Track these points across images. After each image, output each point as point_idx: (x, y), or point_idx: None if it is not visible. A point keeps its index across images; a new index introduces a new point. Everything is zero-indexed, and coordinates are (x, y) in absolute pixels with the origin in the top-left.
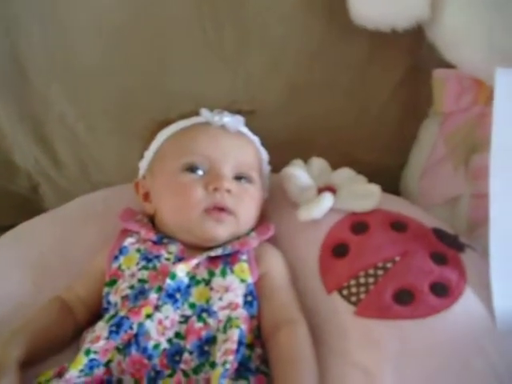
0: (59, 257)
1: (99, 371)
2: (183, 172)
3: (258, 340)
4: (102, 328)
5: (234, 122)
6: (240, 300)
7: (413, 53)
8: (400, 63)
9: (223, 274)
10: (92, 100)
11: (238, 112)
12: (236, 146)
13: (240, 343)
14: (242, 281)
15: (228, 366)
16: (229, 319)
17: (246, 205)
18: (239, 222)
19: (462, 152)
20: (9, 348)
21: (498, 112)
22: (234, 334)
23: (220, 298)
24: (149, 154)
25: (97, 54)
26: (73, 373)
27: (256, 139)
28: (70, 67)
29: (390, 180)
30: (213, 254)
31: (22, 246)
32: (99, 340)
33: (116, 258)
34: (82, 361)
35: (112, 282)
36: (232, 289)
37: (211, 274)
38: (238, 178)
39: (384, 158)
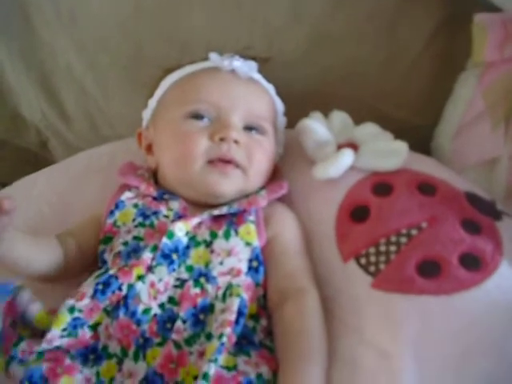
0: (57, 213)
1: (84, 333)
2: (187, 120)
3: (264, 311)
4: (88, 285)
5: (246, 66)
6: (243, 265)
7: None
8: (435, 9)
9: (226, 235)
10: (100, 51)
11: (253, 58)
12: (247, 93)
13: (240, 314)
14: (248, 244)
15: (224, 339)
16: (229, 286)
17: (257, 158)
18: (248, 177)
19: (502, 108)
20: None
21: None
22: (234, 303)
23: (221, 263)
24: (152, 103)
25: (105, 2)
26: (55, 332)
27: (271, 87)
28: (78, 16)
29: (420, 140)
30: (217, 212)
31: (20, 200)
32: (84, 298)
33: (112, 212)
34: (65, 319)
35: (107, 239)
36: (235, 252)
37: (213, 235)
38: (249, 128)
39: (414, 115)
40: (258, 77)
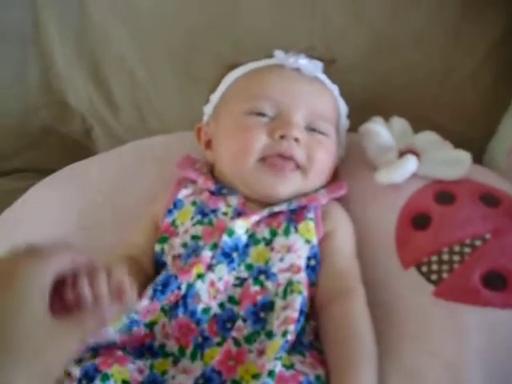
0: (109, 201)
1: (139, 330)
2: (248, 115)
3: (313, 311)
4: (148, 286)
5: (311, 65)
6: (302, 262)
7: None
8: (498, 21)
9: (286, 232)
10: (155, 41)
11: (318, 59)
12: (311, 92)
13: (301, 312)
14: (307, 241)
15: (289, 336)
16: (289, 283)
17: (318, 158)
18: (307, 178)
19: None
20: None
21: None
22: (296, 300)
23: (281, 259)
24: (215, 98)
25: None
26: (110, 330)
27: (335, 88)
28: (135, 5)
29: (474, 153)
30: (277, 209)
31: (71, 186)
32: (142, 298)
33: (170, 211)
34: (123, 320)
35: (163, 239)
36: (295, 249)
37: (273, 233)
38: (311, 129)
39: (471, 128)
40: (322, 77)
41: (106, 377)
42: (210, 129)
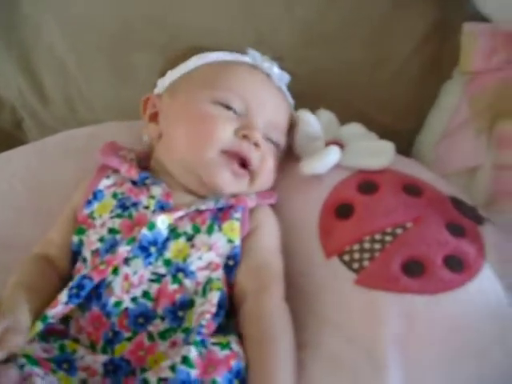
0: (29, 189)
1: (53, 327)
2: (214, 104)
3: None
4: (63, 291)
5: (281, 76)
6: (221, 261)
7: (438, 6)
8: (425, 16)
9: (210, 230)
10: (86, 31)
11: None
12: (275, 102)
13: (220, 307)
14: (230, 241)
15: (204, 322)
16: (209, 281)
17: (267, 167)
18: (253, 184)
19: (486, 117)
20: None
21: None
22: (214, 296)
23: (200, 257)
24: (174, 73)
25: None
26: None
27: (292, 103)
28: None
29: (402, 145)
30: (203, 207)
31: None
32: (57, 305)
33: (89, 202)
34: (38, 328)
35: (80, 230)
36: (216, 248)
37: (196, 229)
38: (267, 138)
39: (399, 120)
40: (285, 90)
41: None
42: (162, 103)
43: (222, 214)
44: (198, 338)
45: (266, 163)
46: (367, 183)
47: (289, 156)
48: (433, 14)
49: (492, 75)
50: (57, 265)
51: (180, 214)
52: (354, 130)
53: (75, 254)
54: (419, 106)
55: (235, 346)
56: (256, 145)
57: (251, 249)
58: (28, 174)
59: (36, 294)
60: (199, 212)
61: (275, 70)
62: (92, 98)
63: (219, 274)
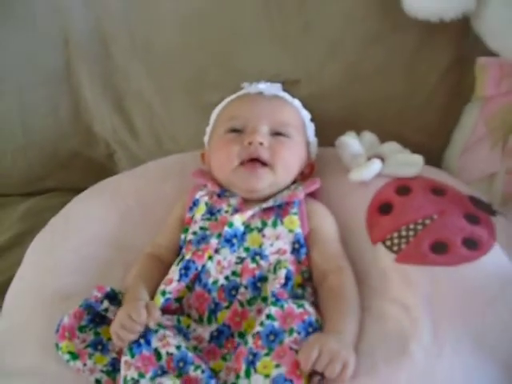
0: (140, 205)
1: (170, 305)
2: (227, 133)
3: (309, 282)
4: (173, 271)
5: (270, 88)
6: (288, 247)
7: (459, 42)
8: (447, 52)
9: (274, 224)
10: (168, 76)
11: (283, 82)
12: (271, 106)
13: (288, 279)
14: (290, 231)
15: (277, 286)
16: (278, 262)
17: (282, 155)
18: (276, 172)
19: (499, 132)
20: (141, 291)
21: None
22: (282, 273)
23: (271, 245)
24: (209, 129)
25: (175, 34)
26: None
27: (295, 101)
28: (150, 44)
29: (433, 162)
30: (265, 205)
31: (109, 195)
32: (172, 282)
33: (191, 208)
34: (159, 301)
35: (185, 230)
36: (281, 237)
37: (264, 223)
38: (276, 133)
39: (428, 140)
40: (282, 94)
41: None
42: (208, 153)
43: (282, 211)
44: (274, 299)
45: (278, 153)
46: (403, 187)
47: (340, 170)
48: (453, 51)
49: (502, 98)
50: (164, 260)
51: (250, 212)
52: (392, 146)
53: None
54: (446, 126)
55: (308, 307)
56: (261, 144)
57: (322, 242)
58: (137, 193)
59: (150, 281)
60: (266, 212)
61: (261, 86)
62: (175, 133)
63: (287, 256)
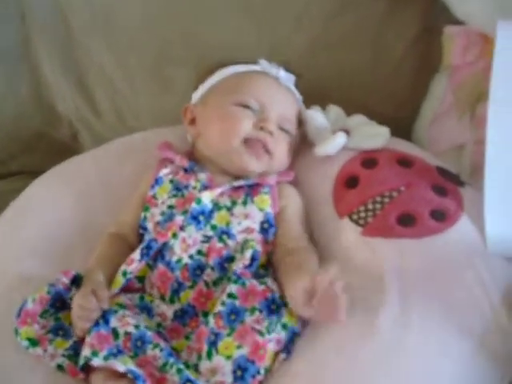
0: (103, 185)
1: (133, 283)
2: (235, 106)
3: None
4: (135, 252)
5: (288, 77)
6: (257, 226)
7: (426, 12)
8: (414, 22)
9: (244, 203)
10: (130, 51)
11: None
12: (285, 99)
13: (254, 259)
14: (261, 210)
15: (240, 266)
16: (245, 241)
17: (282, 149)
18: (273, 162)
19: (467, 102)
20: (97, 275)
21: (498, 62)
22: (249, 253)
23: (239, 223)
24: (204, 87)
25: (136, 6)
26: (113, 290)
27: (300, 98)
28: (111, 19)
29: (402, 132)
30: (236, 184)
31: (70, 177)
32: (133, 262)
33: (152, 187)
34: (120, 281)
35: (146, 208)
36: (251, 216)
37: (233, 202)
38: (280, 128)
39: (397, 110)
40: (293, 89)
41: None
42: (197, 109)
43: (252, 191)
44: (235, 277)
45: (280, 147)
46: (369, 160)
47: (305, 143)
48: (420, 21)
49: (468, 68)
50: (129, 240)
51: (219, 190)
52: (358, 119)
53: (142, 229)
54: (414, 97)
55: (271, 284)
56: (271, 133)
57: (287, 221)
58: (98, 169)
59: (111, 262)
60: (235, 190)
61: (281, 73)
62: (138, 109)
63: (254, 236)
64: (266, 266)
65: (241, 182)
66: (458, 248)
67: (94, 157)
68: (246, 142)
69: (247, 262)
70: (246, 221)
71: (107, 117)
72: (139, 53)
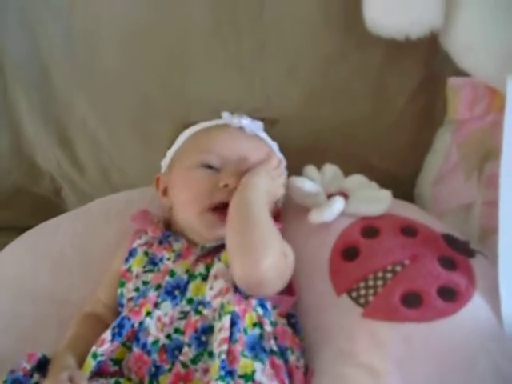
0: (78, 252)
1: (107, 367)
2: (199, 168)
3: (267, 318)
4: (107, 332)
5: (253, 125)
6: (230, 285)
7: (428, 61)
8: (416, 72)
9: (213, 264)
10: (113, 105)
11: (262, 119)
12: (251, 148)
13: (235, 324)
14: (227, 265)
15: (223, 356)
16: (222, 306)
17: None
18: None
19: (474, 160)
20: (67, 359)
21: (510, 119)
22: (226, 320)
23: (211, 288)
24: (170, 153)
25: (118, 60)
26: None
27: (274, 144)
28: (93, 73)
29: (404, 188)
30: (207, 245)
31: (44, 241)
32: (104, 343)
33: (127, 260)
34: (90, 364)
35: (121, 284)
36: (220, 275)
37: (207, 268)
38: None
39: (399, 166)
40: (263, 135)
41: None
42: (166, 178)
43: (221, 249)
44: (223, 373)
45: None
46: (369, 228)
47: (301, 208)
48: (422, 70)
49: (475, 122)
50: (104, 319)
51: (192, 257)
52: (357, 180)
53: (120, 306)
54: (416, 152)
55: (259, 376)
56: (234, 189)
57: None
58: (75, 238)
59: (84, 345)
60: (209, 254)
61: (245, 121)
62: (123, 165)
63: (229, 297)
64: (258, 323)
65: (212, 244)
66: (470, 332)
67: (71, 219)
68: (213, 209)
69: (227, 333)
70: (217, 281)
71: (91, 173)
72: (121, 107)
